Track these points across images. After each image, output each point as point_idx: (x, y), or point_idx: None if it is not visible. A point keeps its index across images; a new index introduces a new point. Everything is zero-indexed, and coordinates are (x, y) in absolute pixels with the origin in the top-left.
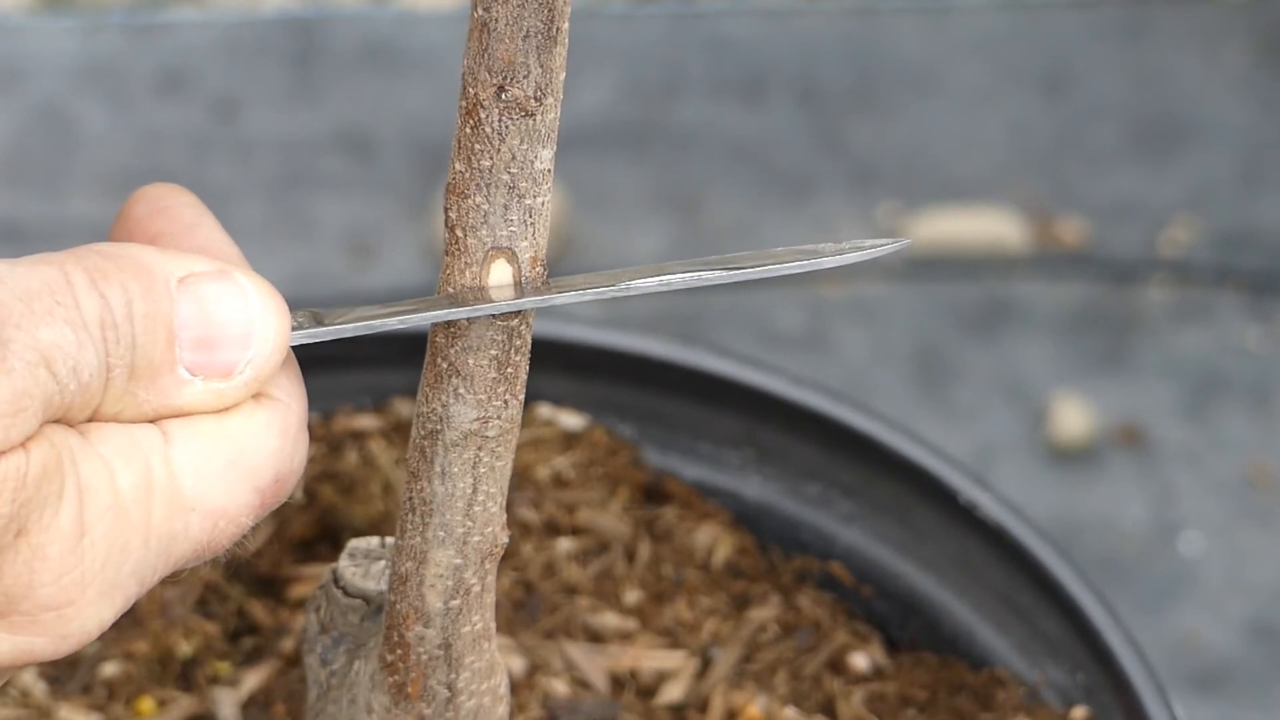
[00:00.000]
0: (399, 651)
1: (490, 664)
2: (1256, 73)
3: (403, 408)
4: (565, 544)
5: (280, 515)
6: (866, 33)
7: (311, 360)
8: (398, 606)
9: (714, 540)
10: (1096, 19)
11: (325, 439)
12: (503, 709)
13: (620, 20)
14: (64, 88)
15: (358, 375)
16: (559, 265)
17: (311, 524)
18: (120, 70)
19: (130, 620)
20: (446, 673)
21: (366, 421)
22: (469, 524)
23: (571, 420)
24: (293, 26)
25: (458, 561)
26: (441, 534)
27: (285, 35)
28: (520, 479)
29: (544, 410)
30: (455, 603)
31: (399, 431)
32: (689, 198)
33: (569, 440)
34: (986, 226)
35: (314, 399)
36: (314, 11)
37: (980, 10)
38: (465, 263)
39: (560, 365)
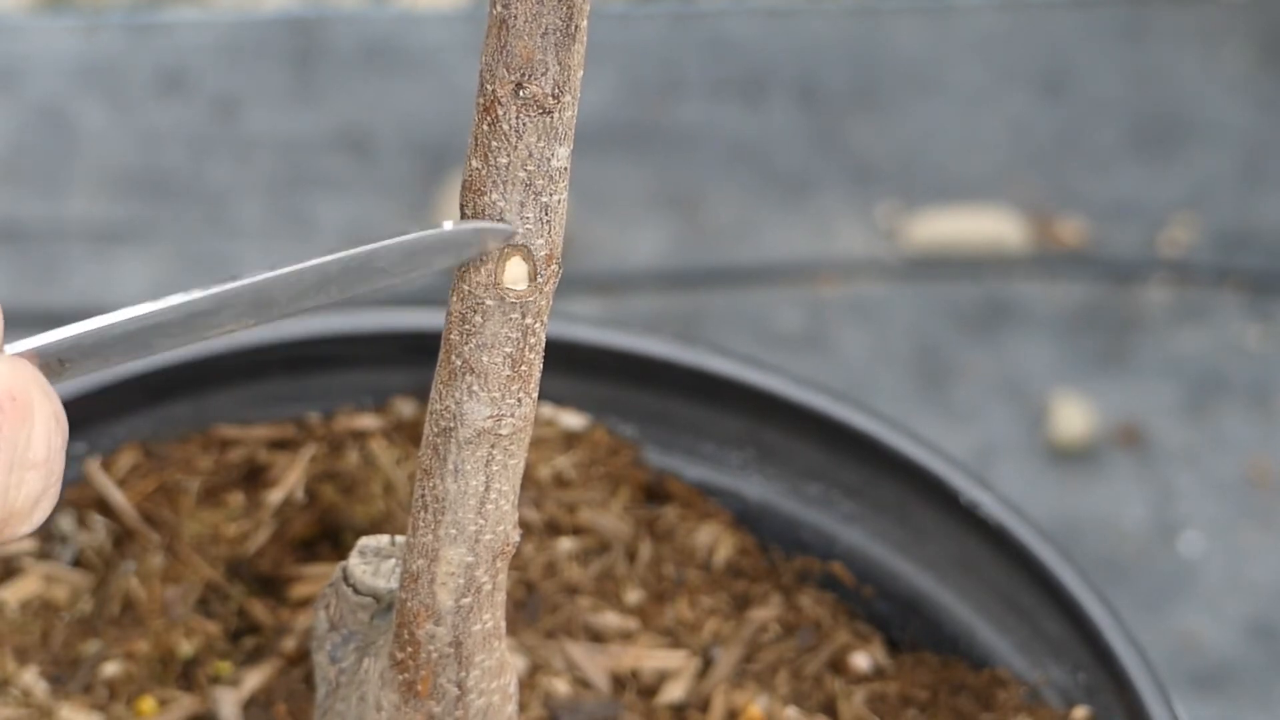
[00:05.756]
0: (409, 649)
1: (500, 662)
2: (1256, 73)
3: (404, 407)
4: (566, 543)
5: (281, 515)
6: (866, 33)
7: (312, 360)
8: (408, 604)
9: (715, 540)
10: (1096, 19)
11: (326, 438)
12: (511, 707)
13: (620, 20)
14: (64, 88)
15: (358, 375)
16: None
17: (312, 523)
18: (120, 70)
19: (132, 620)
20: (456, 670)
21: (368, 421)
22: (481, 522)
23: (572, 420)
24: (293, 26)
25: (469, 559)
26: (454, 531)
27: (285, 35)
28: (522, 478)
29: (545, 410)
30: (466, 600)
31: (400, 431)
32: (689, 197)
33: (570, 440)
34: (986, 226)
35: (315, 398)
36: (314, 11)
37: (980, 10)
38: (481, 260)
39: (561, 365)
